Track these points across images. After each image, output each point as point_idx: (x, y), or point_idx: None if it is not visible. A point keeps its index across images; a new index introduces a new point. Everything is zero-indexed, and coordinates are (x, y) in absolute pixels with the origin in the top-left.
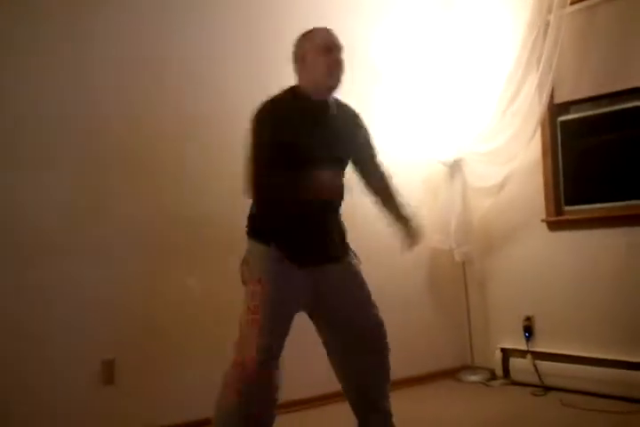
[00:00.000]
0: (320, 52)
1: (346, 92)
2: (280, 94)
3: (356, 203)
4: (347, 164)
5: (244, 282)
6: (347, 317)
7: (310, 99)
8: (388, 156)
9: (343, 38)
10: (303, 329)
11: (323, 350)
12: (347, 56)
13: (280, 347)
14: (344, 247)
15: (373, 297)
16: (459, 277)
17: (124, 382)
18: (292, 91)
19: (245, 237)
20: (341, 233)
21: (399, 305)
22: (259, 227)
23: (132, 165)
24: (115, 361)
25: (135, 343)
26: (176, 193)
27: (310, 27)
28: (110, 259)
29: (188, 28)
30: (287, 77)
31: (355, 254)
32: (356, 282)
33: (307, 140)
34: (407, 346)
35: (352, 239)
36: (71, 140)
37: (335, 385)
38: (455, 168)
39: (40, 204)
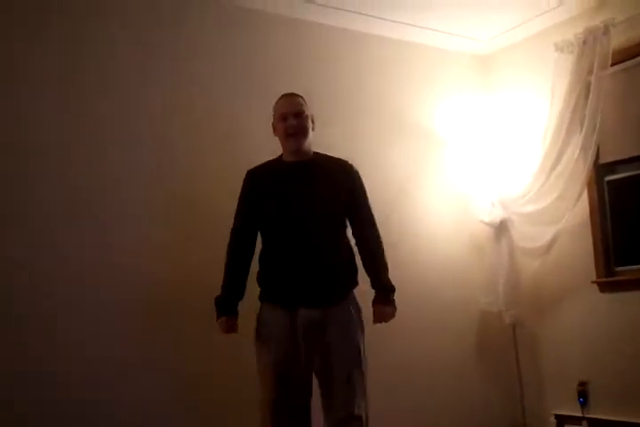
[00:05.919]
0: (280, 120)
1: (396, 156)
2: (265, 162)
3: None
4: (331, 217)
5: None
6: None
7: (285, 162)
8: (434, 216)
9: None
10: None
11: None
12: (395, 123)
13: None
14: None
15: (422, 361)
16: (509, 341)
17: None
18: (277, 157)
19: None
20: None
21: (448, 369)
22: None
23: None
24: None
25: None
26: None
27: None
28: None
29: None
30: None
31: None
32: None
33: (278, 203)
34: (456, 412)
35: (403, 303)
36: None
37: None
38: (502, 229)
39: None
